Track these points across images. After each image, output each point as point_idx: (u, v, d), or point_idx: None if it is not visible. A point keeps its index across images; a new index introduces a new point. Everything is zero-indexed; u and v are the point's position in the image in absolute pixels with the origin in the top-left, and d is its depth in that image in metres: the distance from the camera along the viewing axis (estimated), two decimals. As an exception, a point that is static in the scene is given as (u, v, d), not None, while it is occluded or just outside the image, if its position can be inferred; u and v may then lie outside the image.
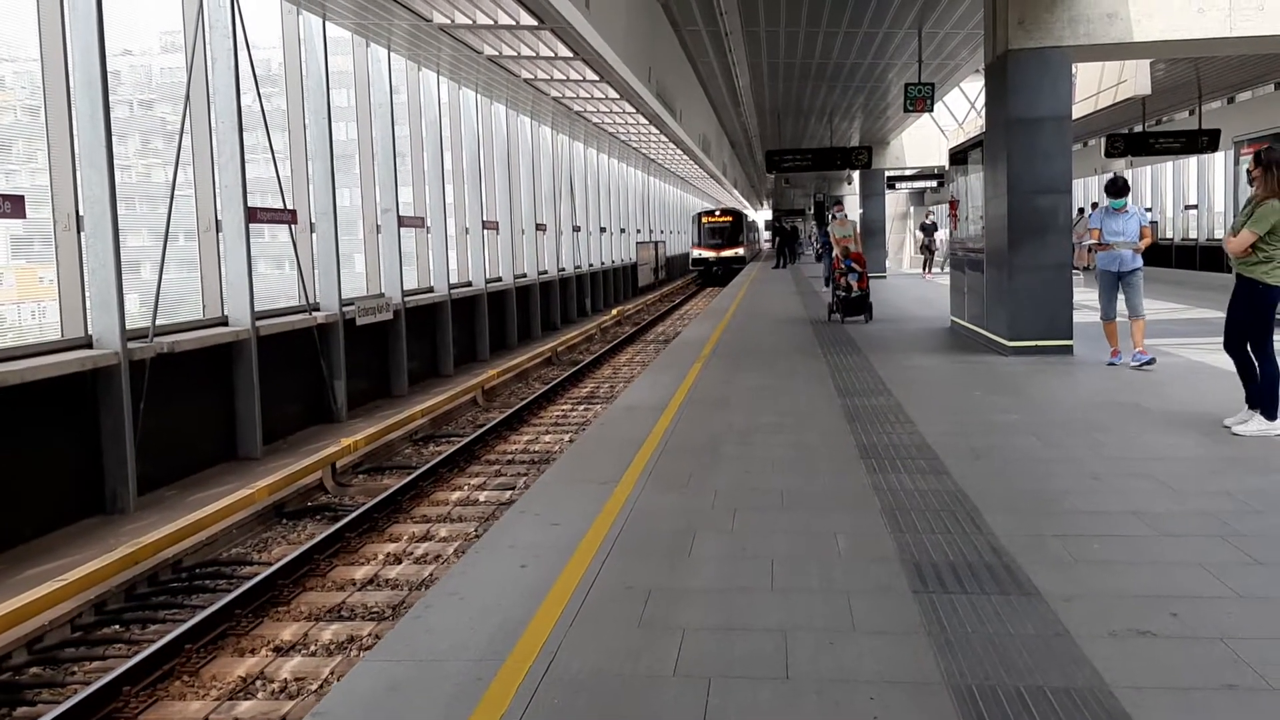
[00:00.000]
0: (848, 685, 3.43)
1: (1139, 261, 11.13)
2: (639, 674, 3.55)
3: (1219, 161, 30.68)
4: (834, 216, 30.29)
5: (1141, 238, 11.11)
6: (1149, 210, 38.01)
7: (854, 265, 17.16)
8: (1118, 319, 11.22)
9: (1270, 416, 7.39)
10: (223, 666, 6.71)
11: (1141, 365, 10.77)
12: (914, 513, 5.56)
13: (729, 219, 50.00)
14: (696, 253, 50.27)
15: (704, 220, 50.27)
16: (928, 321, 16.63)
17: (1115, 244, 11.04)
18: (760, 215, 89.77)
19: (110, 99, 9.99)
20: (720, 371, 11.77)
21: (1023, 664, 3.57)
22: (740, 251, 49.54)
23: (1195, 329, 14.12)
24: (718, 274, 47.27)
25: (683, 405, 9.33)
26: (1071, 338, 11.94)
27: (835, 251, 18.00)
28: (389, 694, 3.40)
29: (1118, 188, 11.28)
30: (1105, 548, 4.89)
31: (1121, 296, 11.18)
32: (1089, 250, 11.98)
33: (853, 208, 37.58)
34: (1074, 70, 18.90)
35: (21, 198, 8.89)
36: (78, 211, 9.88)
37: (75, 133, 9.82)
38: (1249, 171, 7.63)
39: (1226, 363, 10.61)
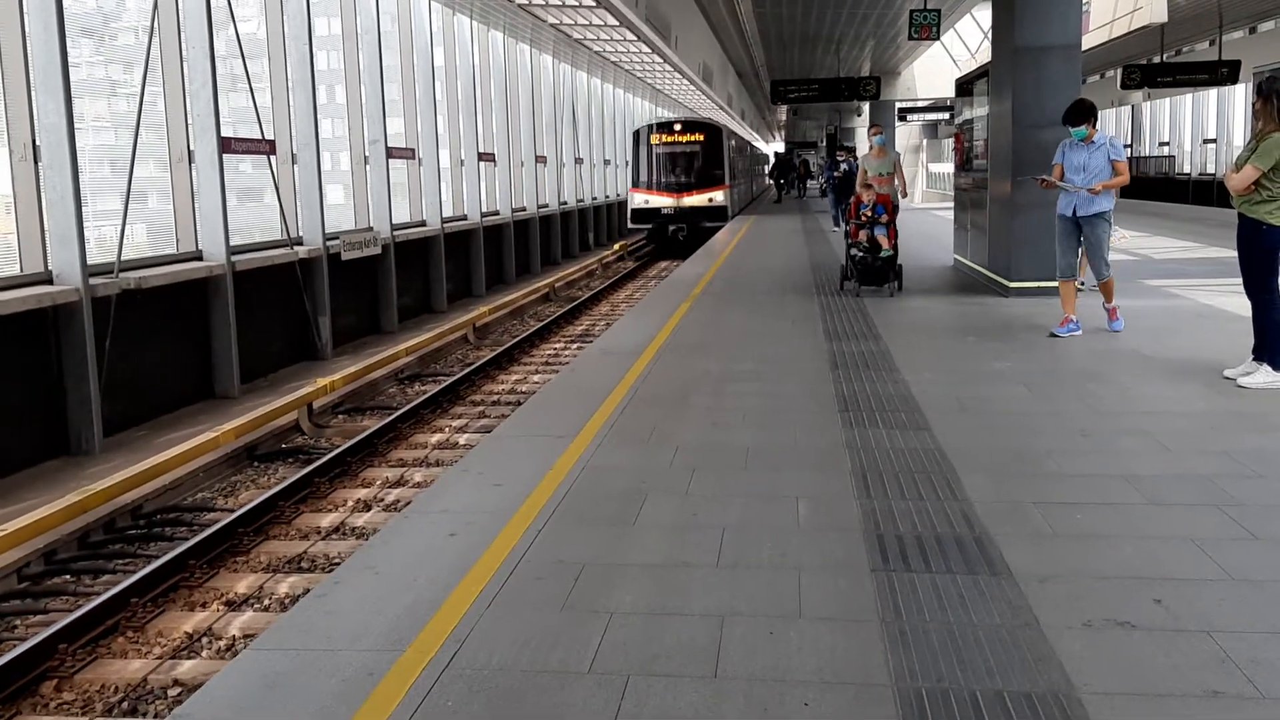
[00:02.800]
0: (781, 686, 3.04)
1: (1101, 205, 8.92)
2: (550, 669, 3.17)
3: (1239, 94, 29.81)
4: (842, 147, 29.31)
5: (1116, 174, 8.90)
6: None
7: (879, 214, 12.10)
8: (1077, 279, 9.49)
9: (1277, 366, 6.95)
10: (170, 621, 6.42)
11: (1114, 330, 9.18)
12: (885, 474, 5.16)
13: (697, 137, 29.62)
14: (639, 198, 29.67)
15: (654, 141, 29.80)
16: (931, 259, 16.10)
17: (1066, 186, 8.94)
18: (771, 148, 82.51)
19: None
20: (707, 312, 11.33)
21: (982, 662, 3.19)
22: (717, 197, 29.35)
23: (1206, 269, 13.60)
24: (679, 238, 28.92)
25: (661, 350, 8.91)
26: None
27: (864, 192, 12.51)
28: (264, 692, 3.03)
29: (1077, 112, 9.02)
30: (1088, 518, 4.49)
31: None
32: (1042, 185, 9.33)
33: (862, 140, 36.65)
34: (1089, -3, 18.17)
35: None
36: (34, 141, 9.44)
37: (30, 57, 9.34)
38: (1252, 105, 7.10)
39: (1235, 306, 10.21)
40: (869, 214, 12.15)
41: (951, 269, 14.76)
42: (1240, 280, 7.20)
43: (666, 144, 29.61)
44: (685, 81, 34.17)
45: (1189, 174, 34.30)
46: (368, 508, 8.39)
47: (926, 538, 4.26)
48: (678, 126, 30.09)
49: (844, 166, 22.66)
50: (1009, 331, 9.52)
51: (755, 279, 14.69)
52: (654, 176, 29.53)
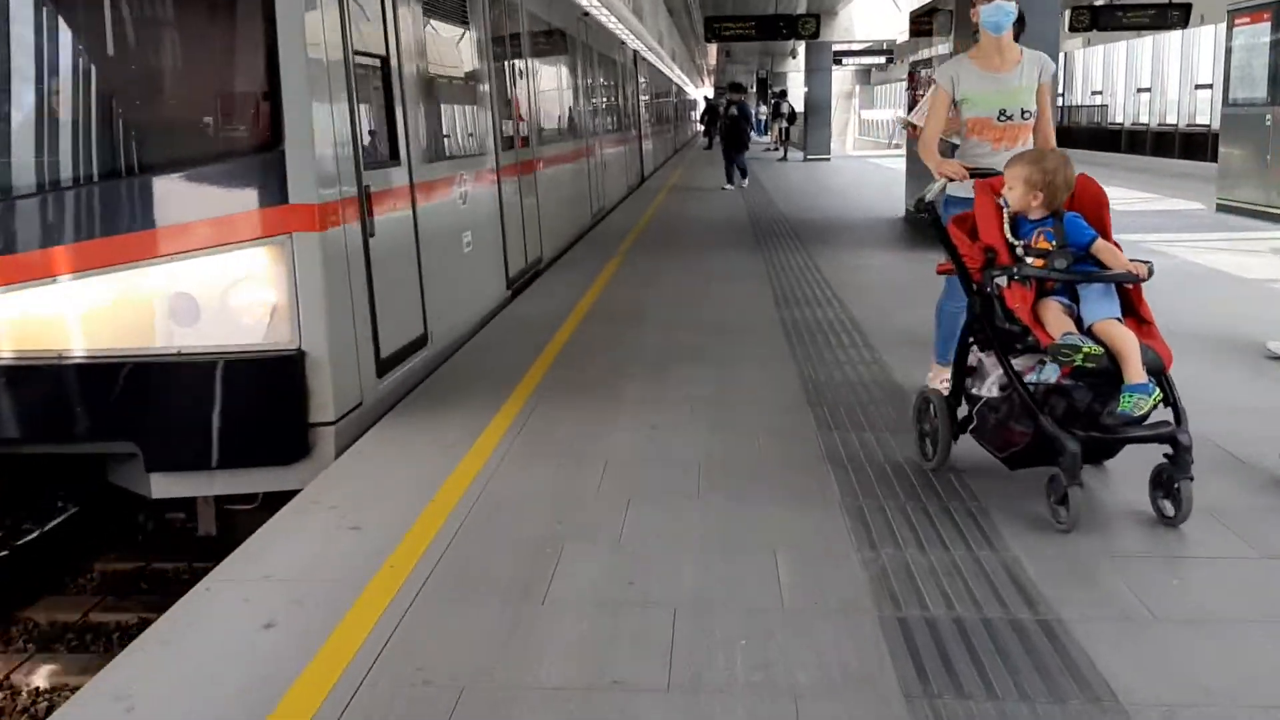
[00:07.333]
0: None
1: None
2: None
3: (1173, 40, 28.90)
4: (732, 87, 27.37)
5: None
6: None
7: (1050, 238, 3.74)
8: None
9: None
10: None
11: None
12: (890, 509, 3.80)
13: None
14: None
15: None
16: (883, 210, 14.78)
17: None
18: (700, 93, 67.82)
19: None
20: (641, 271, 9.87)
21: None
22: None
23: (1180, 222, 12.48)
24: None
25: (585, 319, 7.42)
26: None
27: (947, 179, 4.43)
28: None
29: None
30: (1187, 583, 3.17)
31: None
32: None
33: (796, 85, 35.09)
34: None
35: None
36: None
37: None
38: None
39: (1228, 264, 9.14)
40: (1045, 244, 3.75)
41: (904, 220, 13.47)
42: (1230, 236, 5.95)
43: None
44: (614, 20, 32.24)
45: (1121, 124, 33.48)
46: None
47: (971, 625, 2.89)
48: None
49: (733, 111, 20.05)
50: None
51: (689, 239, 13.12)
52: None
